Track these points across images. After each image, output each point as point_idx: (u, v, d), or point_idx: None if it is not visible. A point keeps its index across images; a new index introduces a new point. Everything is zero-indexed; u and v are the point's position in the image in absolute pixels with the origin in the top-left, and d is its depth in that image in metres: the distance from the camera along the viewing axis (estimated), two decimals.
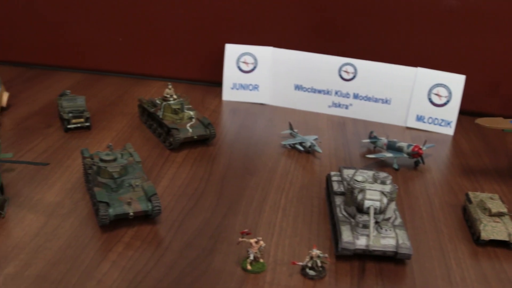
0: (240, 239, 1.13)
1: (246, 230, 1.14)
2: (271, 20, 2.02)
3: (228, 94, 1.97)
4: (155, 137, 1.66)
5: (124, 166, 1.27)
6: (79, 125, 1.66)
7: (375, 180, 1.21)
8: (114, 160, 1.28)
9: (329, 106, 1.92)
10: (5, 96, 1.80)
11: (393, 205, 1.21)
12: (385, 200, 1.17)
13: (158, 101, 1.67)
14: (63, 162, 1.50)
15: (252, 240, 1.12)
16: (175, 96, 1.64)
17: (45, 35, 2.18)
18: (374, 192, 1.18)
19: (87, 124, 1.67)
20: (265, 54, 1.95)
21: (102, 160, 1.27)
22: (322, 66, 1.90)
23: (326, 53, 1.90)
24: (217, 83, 2.04)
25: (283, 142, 1.64)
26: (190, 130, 1.57)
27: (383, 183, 1.20)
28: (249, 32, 2.02)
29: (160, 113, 1.62)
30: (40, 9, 2.15)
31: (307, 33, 2.01)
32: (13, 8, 2.17)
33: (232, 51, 1.95)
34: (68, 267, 1.10)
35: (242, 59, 1.95)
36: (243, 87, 1.96)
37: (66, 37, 2.16)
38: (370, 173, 1.25)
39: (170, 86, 1.65)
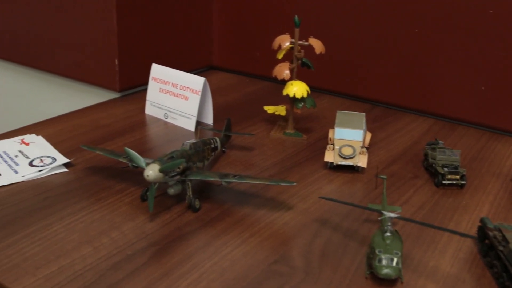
0: None
1: None
2: None
3: None
4: None
5: None
6: (454, 182, 1.52)
7: None
8: None
9: None
10: (368, 136, 1.74)
11: None
12: None
13: None
14: (445, 224, 1.37)
15: None
16: None
17: (399, 75, 2.10)
18: None
19: (463, 182, 1.52)
20: None
21: None
22: None
23: None
24: None
25: None
26: None
27: None
28: None
29: None
30: (394, 48, 2.08)
31: None
32: (361, 45, 2.13)
33: None
34: None
35: None
36: None
37: (422, 78, 2.06)
38: None
39: None
